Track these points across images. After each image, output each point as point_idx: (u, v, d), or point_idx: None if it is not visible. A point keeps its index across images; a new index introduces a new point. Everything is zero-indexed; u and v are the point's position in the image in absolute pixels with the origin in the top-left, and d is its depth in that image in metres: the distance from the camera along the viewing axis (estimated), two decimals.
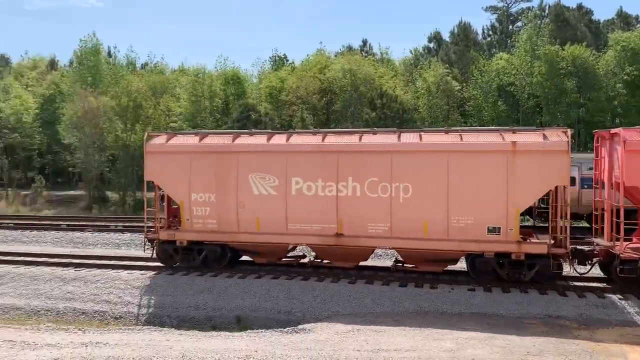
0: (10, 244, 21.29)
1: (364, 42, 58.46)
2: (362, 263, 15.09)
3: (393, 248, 14.48)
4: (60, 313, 13.40)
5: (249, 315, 12.83)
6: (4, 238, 22.36)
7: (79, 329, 8.26)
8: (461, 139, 13.58)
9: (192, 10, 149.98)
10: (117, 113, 41.17)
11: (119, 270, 15.69)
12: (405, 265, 14.70)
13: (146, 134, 16.45)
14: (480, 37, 56.92)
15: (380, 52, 55.35)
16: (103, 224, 25.16)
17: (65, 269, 16.07)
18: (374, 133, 14.87)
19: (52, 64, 65.53)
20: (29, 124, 48.63)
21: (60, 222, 25.81)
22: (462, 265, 14.61)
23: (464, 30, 52.12)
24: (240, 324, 12.51)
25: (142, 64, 60.20)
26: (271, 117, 39.29)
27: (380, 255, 17.35)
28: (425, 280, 13.99)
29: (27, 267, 16.36)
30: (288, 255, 15.81)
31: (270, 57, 52.79)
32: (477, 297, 12.78)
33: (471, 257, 13.71)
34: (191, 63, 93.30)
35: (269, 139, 14.97)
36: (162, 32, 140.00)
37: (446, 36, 55.66)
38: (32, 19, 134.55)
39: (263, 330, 10.65)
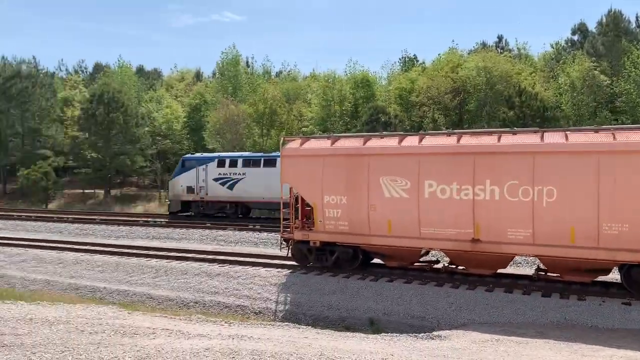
0: (163, 241, 23.47)
1: (499, 38, 55.64)
2: (500, 270, 14.35)
3: (535, 255, 13.56)
4: (206, 305, 14.46)
5: (382, 318, 12.80)
6: (157, 235, 24.73)
7: (225, 322, 8.83)
8: (614, 138, 12.34)
9: (323, 17, 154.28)
10: (254, 119, 43.58)
11: (258, 268, 16.54)
12: (548, 274, 13.70)
13: (282, 138, 17.16)
14: (633, 25, 51.36)
15: (517, 48, 52.47)
16: (243, 223, 26.73)
17: (210, 264, 17.33)
18: (514, 133, 14.07)
19: (198, 76, 71.33)
20: (178, 131, 53.38)
21: (206, 222, 27.88)
22: (614, 276, 13.28)
23: (614, 19, 47.32)
24: (373, 326, 12.53)
25: (276, 72, 63.27)
26: (401, 119, 38.97)
27: (520, 263, 16.38)
28: (571, 291, 12.92)
29: (178, 262, 17.91)
30: (420, 259, 15.52)
31: (399, 59, 52.54)
32: (634, 312, 11.51)
33: (626, 268, 12.40)
34: (322, 69, 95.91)
35: (400, 141, 14.83)
36: (295, 40, 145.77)
37: (592, 27, 51.05)
38: (178, 35, 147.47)
39: (397, 334, 10.55)
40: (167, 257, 18.52)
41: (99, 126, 47.07)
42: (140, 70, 70.51)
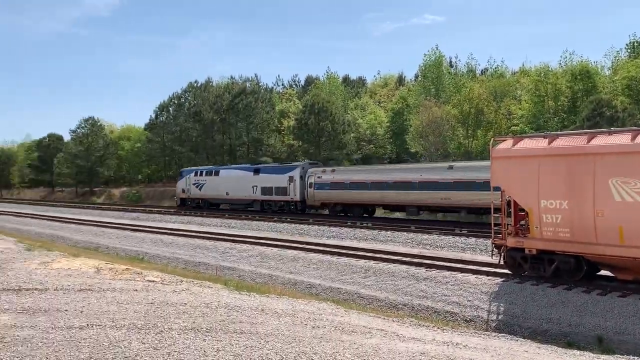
0: (370, 242, 24.20)
1: None
2: None
3: None
4: (415, 309, 14.45)
5: (613, 338, 11.33)
6: (364, 236, 25.61)
7: (438, 327, 8.70)
8: None
9: (533, 7, 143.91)
10: (459, 120, 42.46)
11: (467, 274, 16.00)
12: None
13: (492, 139, 16.36)
14: None
15: None
16: (448, 227, 26.25)
17: (417, 268, 17.31)
18: None
19: (400, 80, 72.34)
20: (381, 135, 54.76)
21: (410, 225, 28.05)
22: None
23: None
24: (601, 345, 11.16)
25: (481, 70, 60.84)
26: (630, 113, 34.20)
27: None
28: None
29: (385, 264, 18.29)
30: None
31: (626, 45, 46.07)
32: None
33: None
34: (533, 63, 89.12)
35: (634, 138, 12.96)
36: (502, 35, 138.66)
37: None
38: (380, 43, 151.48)
39: (636, 357, 9.21)
40: (375, 259, 19.04)
41: (311, 134, 50.72)
42: (346, 80, 74.16)
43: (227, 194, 42.53)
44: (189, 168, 50.10)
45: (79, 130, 77.26)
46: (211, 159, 63.63)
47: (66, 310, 8.12)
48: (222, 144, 62.13)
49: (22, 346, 6.26)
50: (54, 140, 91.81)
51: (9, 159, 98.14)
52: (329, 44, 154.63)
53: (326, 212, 37.10)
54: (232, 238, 25.72)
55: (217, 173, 44.03)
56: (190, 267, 20.74)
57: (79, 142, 76.02)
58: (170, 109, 68.18)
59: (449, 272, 16.33)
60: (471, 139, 42.41)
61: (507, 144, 15.58)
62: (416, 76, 62.03)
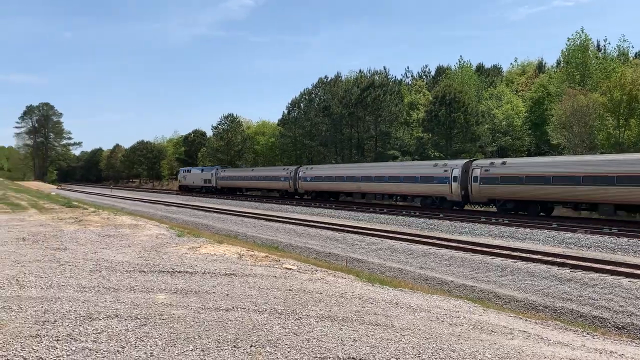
0: (506, 240, 23.00)
1: None
2: None
3: None
4: (557, 312, 13.48)
5: None
6: (500, 233, 24.39)
7: (587, 333, 8.01)
8: None
9: None
10: (608, 109, 38.72)
11: (619, 277, 14.60)
12: None
13: None
14: None
15: None
16: (595, 226, 24.13)
17: (560, 268, 16.14)
18: None
19: (540, 67, 67.61)
20: (519, 126, 51.72)
21: (552, 222, 26.22)
22: None
23: None
24: None
25: (635, 53, 54.86)
26: None
27: None
28: None
29: (523, 262, 17.28)
30: None
31: None
32: None
33: None
34: None
35: None
36: None
37: None
38: (517, 28, 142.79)
39: None
40: (512, 257, 18.07)
41: (442, 126, 49.45)
42: (479, 69, 71.02)
43: (193, 182, 73.41)
44: (184, 167, 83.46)
45: (219, 126, 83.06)
46: (339, 153, 64.80)
47: (214, 292, 8.75)
48: (350, 137, 62.93)
49: (177, 324, 6.85)
50: (198, 135, 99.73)
51: (159, 153, 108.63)
52: (461, 32, 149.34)
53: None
54: (360, 231, 25.97)
55: (189, 171, 76.50)
56: (322, 258, 21.31)
57: (219, 137, 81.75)
58: (302, 104, 70.49)
59: (597, 274, 15.01)
60: (623, 129, 38.45)
61: None
62: (558, 62, 57.57)
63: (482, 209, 34.54)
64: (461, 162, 34.84)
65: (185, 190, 73.98)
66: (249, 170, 63.85)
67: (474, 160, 35.19)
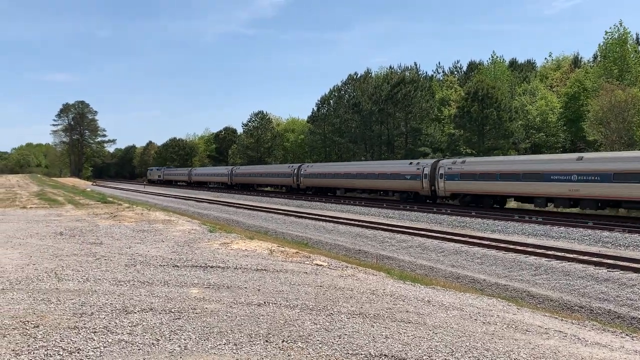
0: (540, 238, 22.54)
1: None
2: None
3: None
4: (594, 312, 13.15)
5: None
6: (534, 231, 23.93)
7: (626, 334, 7.78)
8: None
9: None
10: None
11: None
12: None
13: None
14: None
15: None
16: (635, 225, 23.44)
17: (597, 268, 15.73)
18: None
19: (575, 62, 65.94)
20: (553, 123, 50.58)
21: (587, 220, 25.59)
22: None
23: None
24: None
25: None
26: None
27: None
28: None
29: (558, 261, 16.91)
30: None
31: None
32: None
33: None
34: None
35: None
36: None
37: None
38: (552, 22, 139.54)
39: None
40: (547, 256, 17.71)
41: (474, 122, 48.73)
42: (513, 64, 69.67)
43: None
44: (153, 167, 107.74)
45: (250, 124, 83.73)
46: (369, 150, 64.55)
47: (245, 287, 8.83)
48: (380, 134, 62.60)
49: (210, 317, 6.94)
50: (229, 132, 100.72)
51: (191, 149, 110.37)
52: (494, 27, 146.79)
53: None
54: (390, 228, 25.82)
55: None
56: (352, 255, 21.27)
57: (249, 134, 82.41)
58: (331, 101, 70.46)
59: (636, 274, 14.59)
60: None
61: None
62: (595, 57, 56.11)
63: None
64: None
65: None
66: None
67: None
